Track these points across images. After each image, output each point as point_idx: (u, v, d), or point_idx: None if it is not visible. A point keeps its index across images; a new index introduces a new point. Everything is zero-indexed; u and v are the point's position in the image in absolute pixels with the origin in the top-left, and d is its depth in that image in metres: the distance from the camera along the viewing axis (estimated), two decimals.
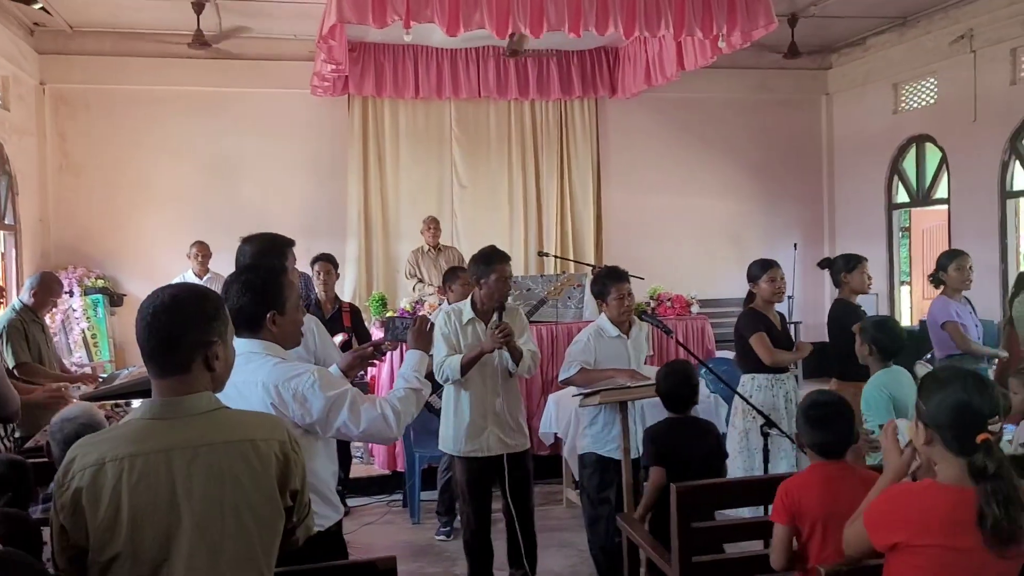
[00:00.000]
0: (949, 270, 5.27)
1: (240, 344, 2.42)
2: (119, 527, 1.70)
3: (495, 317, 4.21)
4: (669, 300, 7.48)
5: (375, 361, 3.21)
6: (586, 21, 6.01)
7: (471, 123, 9.53)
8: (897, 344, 3.90)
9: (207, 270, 7.71)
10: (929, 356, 5.42)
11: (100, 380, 5.85)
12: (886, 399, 3.68)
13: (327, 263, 6.12)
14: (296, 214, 8.67)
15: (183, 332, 1.80)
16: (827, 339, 5.12)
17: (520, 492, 4.32)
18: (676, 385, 3.87)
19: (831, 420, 2.76)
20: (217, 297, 1.96)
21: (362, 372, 6.26)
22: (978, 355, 5.10)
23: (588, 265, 8.08)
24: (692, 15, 6.13)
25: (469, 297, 4.36)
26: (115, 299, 8.49)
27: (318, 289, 6.13)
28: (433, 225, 8.06)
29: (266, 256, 3.29)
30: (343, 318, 6.04)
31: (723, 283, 9.26)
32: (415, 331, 2.90)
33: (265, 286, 2.54)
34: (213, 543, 1.76)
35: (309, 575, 2.37)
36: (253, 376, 2.44)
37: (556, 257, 8.91)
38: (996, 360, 5.36)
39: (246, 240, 3.37)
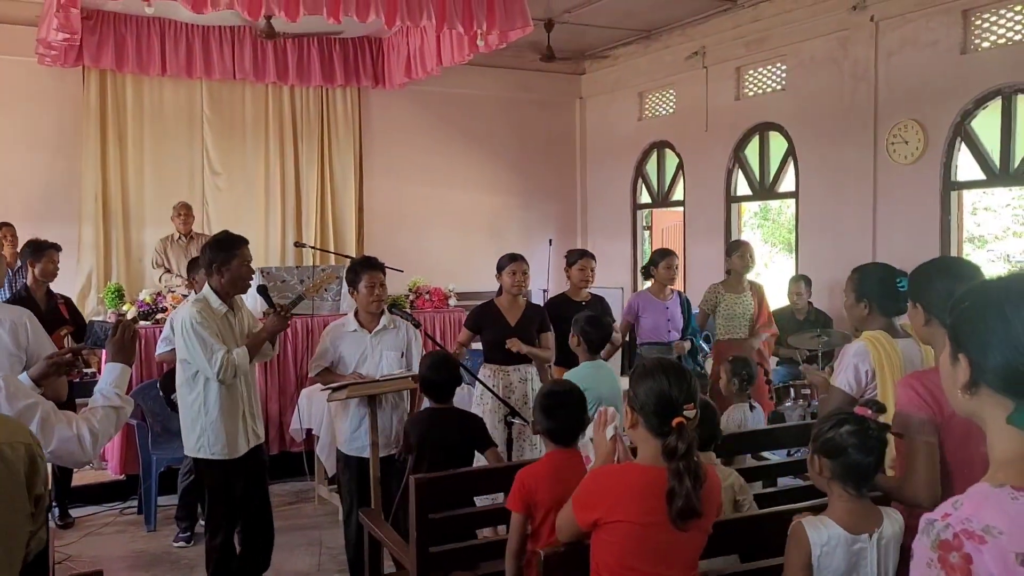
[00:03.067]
0: (659, 266, 5.88)
1: None
2: None
3: (263, 301, 4.08)
4: (428, 293, 7.56)
5: (73, 368, 2.86)
6: (346, 6, 5.88)
7: (225, 106, 9.03)
8: (603, 339, 4.26)
9: None
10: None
11: None
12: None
13: (51, 251, 5.55)
14: (16, 194, 7.79)
15: None
16: None
17: (263, 487, 4.22)
18: (435, 374, 3.88)
19: (562, 408, 2.89)
20: None
21: (91, 371, 5.77)
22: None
23: (347, 257, 7.93)
24: (453, 10, 6.20)
25: (209, 288, 4.10)
26: None
27: (31, 279, 5.51)
28: (184, 211, 7.55)
29: None
30: (60, 311, 5.51)
31: (481, 276, 9.43)
32: (116, 341, 2.63)
33: None
34: None
35: None
36: None
37: (314, 248, 8.67)
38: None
39: None
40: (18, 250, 6.54)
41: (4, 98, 8.03)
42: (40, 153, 8.22)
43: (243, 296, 4.20)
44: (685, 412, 2.16)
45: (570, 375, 3.97)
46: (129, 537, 5.33)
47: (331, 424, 5.26)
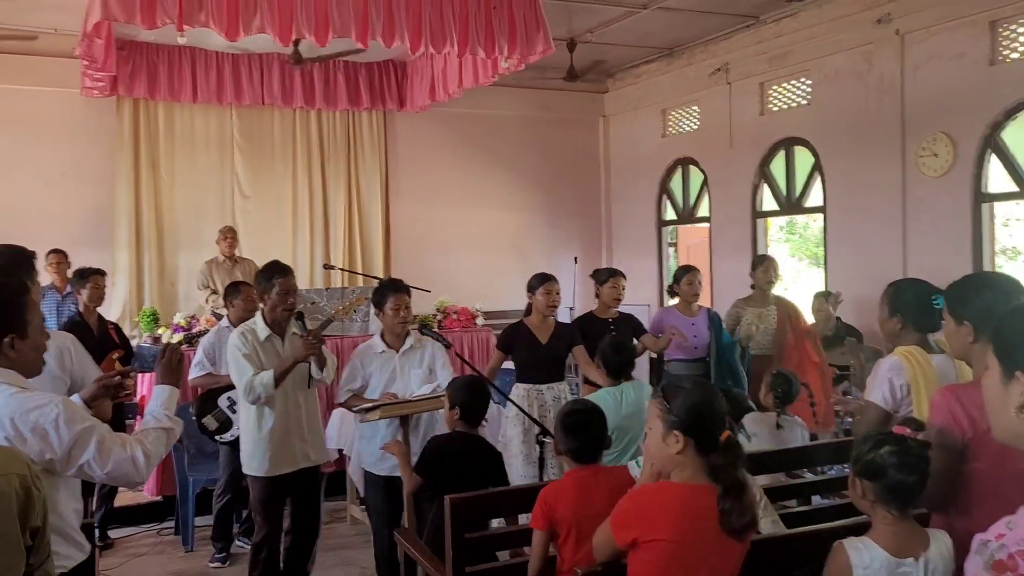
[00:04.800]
0: (682, 283, 5.91)
1: None
2: None
3: (297, 327, 4.16)
4: (455, 313, 7.61)
5: (121, 391, 2.93)
6: (373, 31, 5.98)
7: (254, 131, 9.18)
8: (624, 363, 4.26)
9: None
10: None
11: None
12: None
13: (98, 277, 5.69)
14: (55, 222, 7.95)
15: None
16: None
17: (314, 507, 4.28)
18: (467, 396, 3.84)
19: (584, 427, 2.91)
20: None
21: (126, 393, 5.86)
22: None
23: (375, 278, 8.02)
24: (476, 35, 6.29)
25: (259, 314, 4.23)
26: None
27: (82, 304, 5.65)
28: (229, 235, 7.79)
29: (12, 271, 3.00)
30: (110, 335, 5.64)
31: (507, 295, 9.51)
32: (164, 363, 2.69)
33: (4, 307, 2.29)
34: None
35: None
36: None
37: (342, 270, 8.77)
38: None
39: None
40: (68, 276, 6.82)
41: (43, 128, 8.23)
42: (76, 180, 8.40)
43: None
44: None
45: (592, 399, 3.98)
46: (168, 558, 5.40)
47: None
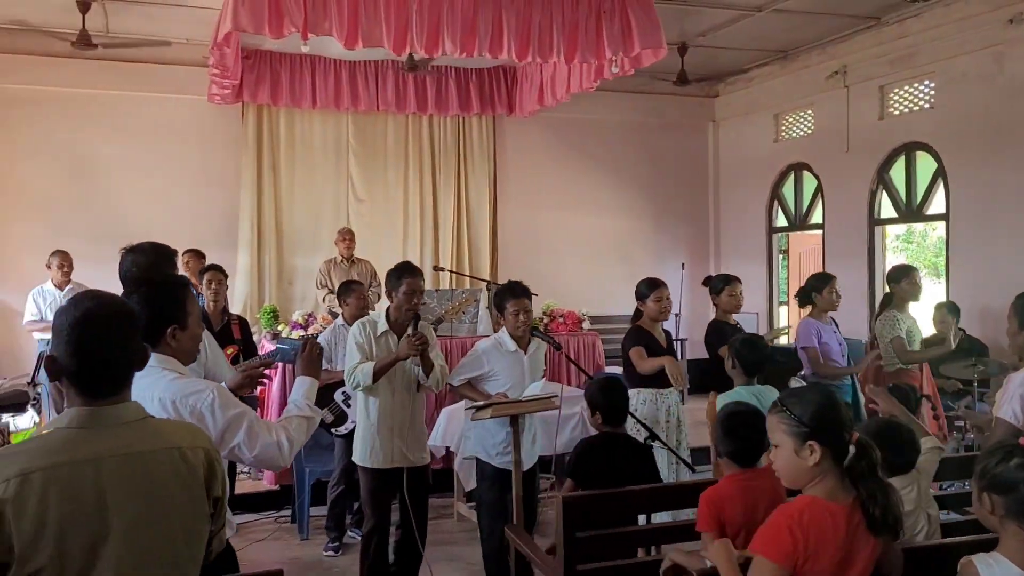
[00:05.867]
0: (823, 292, 5.55)
1: None
2: (45, 538, 1.67)
3: (409, 328, 4.27)
4: (562, 316, 7.65)
5: (264, 380, 3.15)
6: (480, 44, 6.11)
7: (368, 136, 9.49)
8: (759, 361, 4.10)
9: (69, 281, 7.39)
10: (802, 373, 5.75)
11: None
12: None
13: (218, 273, 5.99)
14: (183, 223, 8.39)
15: (127, 350, 1.82)
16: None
17: (417, 507, 4.36)
18: (616, 399, 3.87)
19: (744, 428, 2.88)
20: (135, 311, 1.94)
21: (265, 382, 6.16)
22: (832, 377, 5.37)
23: (483, 280, 8.16)
24: (584, 42, 6.32)
25: (387, 310, 4.39)
26: None
27: (207, 301, 5.98)
28: (348, 236, 8.05)
29: (159, 266, 3.23)
30: (232, 331, 5.92)
31: (613, 300, 9.51)
32: (304, 357, 2.85)
33: (168, 300, 2.48)
34: (141, 551, 1.75)
35: None
36: (149, 391, 2.38)
37: (451, 272, 8.95)
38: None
39: (131, 249, 3.29)
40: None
41: (171, 134, 8.72)
42: (203, 185, 8.87)
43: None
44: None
45: (724, 398, 3.95)
46: (284, 545, 5.63)
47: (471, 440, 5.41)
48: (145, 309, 2.41)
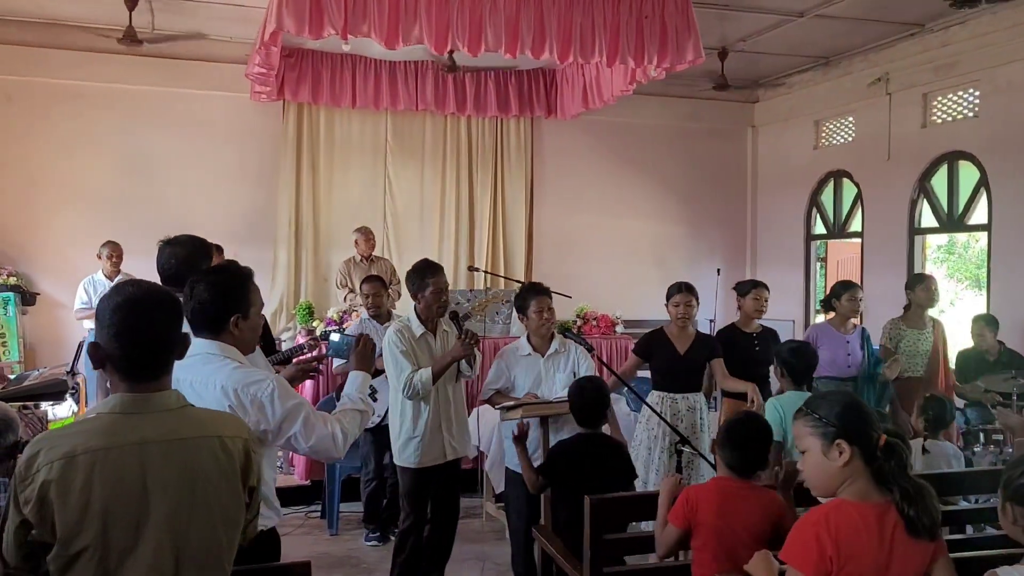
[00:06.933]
0: (843, 299, 5.66)
1: (199, 344, 2.43)
2: (89, 519, 1.72)
3: (453, 327, 4.32)
4: (595, 319, 7.65)
5: (313, 374, 3.31)
6: (523, 44, 6.13)
7: (407, 135, 9.54)
8: (807, 369, 4.13)
9: (119, 271, 7.53)
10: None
11: (8, 381, 5.70)
12: (779, 417, 3.86)
13: None
14: (223, 219, 8.51)
15: (169, 335, 1.87)
16: None
17: (454, 499, 4.42)
18: (588, 401, 3.89)
19: (745, 440, 2.89)
20: (178, 299, 1.99)
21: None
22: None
23: (517, 281, 8.16)
24: (626, 45, 6.31)
25: (413, 312, 4.41)
26: (27, 298, 8.17)
27: None
28: (366, 235, 8.07)
29: (196, 259, 3.29)
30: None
31: (647, 304, 9.43)
32: (359, 352, 2.94)
33: (233, 289, 2.54)
34: (180, 535, 1.80)
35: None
36: (212, 377, 2.45)
37: (486, 272, 8.97)
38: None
39: (169, 242, 3.35)
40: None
41: (213, 131, 8.85)
42: (243, 181, 8.98)
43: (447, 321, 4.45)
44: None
45: (773, 402, 3.98)
46: (314, 539, 5.71)
47: (500, 442, 5.44)
48: (212, 296, 2.47)
